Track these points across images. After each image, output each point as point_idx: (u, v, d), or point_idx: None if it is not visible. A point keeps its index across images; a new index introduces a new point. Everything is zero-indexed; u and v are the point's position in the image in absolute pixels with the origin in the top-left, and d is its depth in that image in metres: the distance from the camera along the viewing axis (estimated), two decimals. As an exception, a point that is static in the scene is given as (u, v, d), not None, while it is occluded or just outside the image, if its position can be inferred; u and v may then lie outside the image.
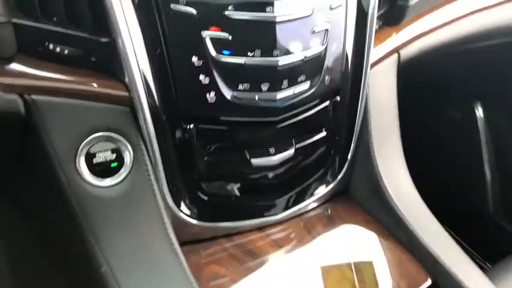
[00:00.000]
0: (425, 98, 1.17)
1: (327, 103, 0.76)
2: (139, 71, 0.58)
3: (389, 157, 0.83)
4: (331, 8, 0.70)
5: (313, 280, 0.74)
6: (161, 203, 0.65)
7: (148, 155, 0.63)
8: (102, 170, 0.62)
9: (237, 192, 0.75)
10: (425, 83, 1.13)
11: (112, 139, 0.61)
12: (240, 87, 0.64)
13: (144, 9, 0.57)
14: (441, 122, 1.23)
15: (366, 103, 0.81)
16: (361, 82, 0.79)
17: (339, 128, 0.80)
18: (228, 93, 0.64)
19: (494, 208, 1.25)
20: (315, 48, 0.69)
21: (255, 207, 0.77)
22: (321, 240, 0.79)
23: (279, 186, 0.78)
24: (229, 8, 0.61)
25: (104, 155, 0.61)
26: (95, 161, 0.61)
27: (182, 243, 0.67)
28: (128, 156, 0.63)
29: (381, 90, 0.84)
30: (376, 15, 0.77)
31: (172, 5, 0.58)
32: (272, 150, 0.72)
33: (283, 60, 0.65)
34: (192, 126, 0.65)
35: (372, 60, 0.81)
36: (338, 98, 0.77)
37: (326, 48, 0.71)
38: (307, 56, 0.68)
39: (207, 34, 0.60)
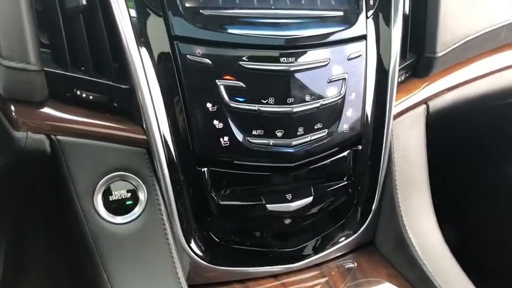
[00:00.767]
0: (463, 153, 1.13)
1: (347, 151, 0.76)
2: (156, 116, 0.63)
3: (416, 209, 0.81)
4: (349, 59, 0.72)
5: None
6: (172, 243, 0.67)
7: (162, 196, 0.66)
8: (118, 208, 0.65)
9: (251, 237, 0.75)
10: (460, 137, 1.09)
11: (128, 178, 0.65)
12: (254, 132, 0.67)
13: (162, 60, 0.62)
14: (477, 178, 1.16)
15: (390, 153, 0.81)
16: (383, 132, 0.78)
17: (361, 177, 0.79)
18: (241, 138, 0.66)
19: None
20: (332, 97, 0.71)
21: (270, 253, 0.77)
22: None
23: (296, 233, 0.78)
24: (244, 58, 0.64)
25: (119, 193, 0.65)
26: (111, 198, 0.65)
27: (193, 286, 0.68)
28: (142, 196, 0.66)
29: (407, 141, 0.83)
30: (398, 66, 0.78)
31: (188, 56, 0.63)
32: (289, 196, 0.73)
33: (297, 108, 0.68)
34: (205, 169, 0.67)
35: (397, 110, 0.82)
36: (360, 147, 0.77)
37: (344, 97, 0.72)
38: (323, 104, 0.70)
39: (222, 83, 0.64)
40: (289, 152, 0.69)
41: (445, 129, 0.94)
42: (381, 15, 0.76)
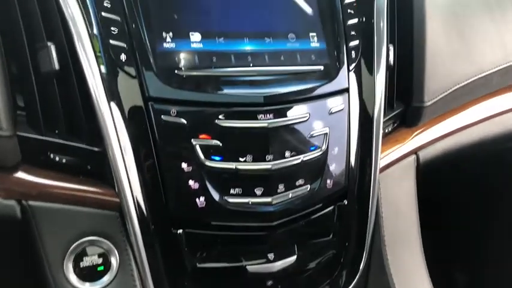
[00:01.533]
0: (457, 202, 1.10)
1: (331, 207, 0.75)
2: (128, 179, 0.62)
3: (407, 266, 0.78)
4: (330, 113, 0.72)
5: None
6: None
7: (135, 260, 0.65)
8: (89, 274, 0.64)
9: (232, 303, 0.73)
10: (454, 185, 1.07)
11: (100, 243, 0.64)
12: (232, 191, 0.66)
13: (136, 121, 0.62)
14: (477, 227, 1.13)
15: (378, 207, 0.79)
16: (370, 185, 0.77)
17: (348, 234, 0.78)
18: (218, 198, 0.65)
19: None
20: (313, 152, 0.70)
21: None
22: None
23: (280, 296, 0.75)
24: (220, 117, 0.64)
25: (90, 259, 0.64)
26: (82, 264, 0.64)
27: None
28: (114, 261, 0.65)
29: (396, 194, 0.82)
30: (382, 117, 0.77)
31: (163, 117, 0.62)
32: (271, 256, 0.71)
33: (277, 165, 0.66)
34: (181, 231, 0.66)
35: (385, 161, 0.80)
36: (345, 202, 0.75)
37: (326, 152, 0.71)
38: (304, 160, 0.69)
39: (197, 142, 0.63)
40: (270, 211, 0.68)
41: (437, 179, 0.92)
42: (363, 67, 0.76)
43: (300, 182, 0.69)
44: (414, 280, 0.78)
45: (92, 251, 0.64)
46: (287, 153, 0.67)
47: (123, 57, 0.61)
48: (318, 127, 0.70)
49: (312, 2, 0.74)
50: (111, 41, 0.61)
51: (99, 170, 0.64)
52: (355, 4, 0.76)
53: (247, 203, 0.66)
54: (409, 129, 0.86)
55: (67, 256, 0.63)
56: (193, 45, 0.65)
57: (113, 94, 0.61)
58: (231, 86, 0.66)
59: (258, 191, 0.67)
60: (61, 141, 0.63)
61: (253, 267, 0.69)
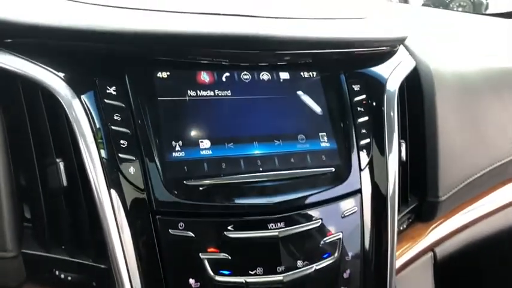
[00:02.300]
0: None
1: (346, 316, 0.71)
2: None
3: None
4: (343, 216, 0.70)
5: None
6: None
7: None
8: None
9: None
10: (473, 280, 1.03)
11: None
12: (242, 306, 0.63)
13: (142, 236, 0.61)
14: None
15: (396, 312, 0.75)
16: (386, 289, 0.74)
17: None
18: (228, 311, 0.63)
19: None
20: (326, 260, 0.68)
21: None
22: None
23: None
24: (229, 228, 0.63)
25: None
26: None
27: None
28: None
29: (414, 296, 0.78)
30: (396, 217, 0.75)
31: (171, 231, 0.61)
32: None
33: (288, 277, 0.64)
34: None
35: (400, 261, 0.78)
36: (361, 307, 0.72)
37: (340, 259, 0.69)
38: (317, 269, 0.66)
39: (205, 256, 0.62)
40: (282, 324, 0.65)
41: (456, 276, 0.88)
42: (375, 165, 0.75)
43: (314, 291, 0.67)
44: None
45: None
46: (299, 263, 0.65)
47: (131, 170, 0.61)
48: (331, 232, 0.69)
49: (320, 101, 0.74)
50: (120, 155, 0.61)
51: (105, 287, 0.62)
52: (364, 102, 0.77)
53: None
54: (425, 224, 0.84)
55: None
56: (203, 153, 0.66)
57: (120, 209, 0.60)
58: (241, 195, 0.65)
59: (269, 305, 0.64)
60: (67, 257, 0.61)
61: None
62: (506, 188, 0.95)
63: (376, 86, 0.78)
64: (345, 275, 0.69)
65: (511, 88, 0.96)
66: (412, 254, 0.79)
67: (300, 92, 0.74)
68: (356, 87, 0.77)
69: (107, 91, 0.63)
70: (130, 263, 0.60)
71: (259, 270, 0.63)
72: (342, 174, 0.72)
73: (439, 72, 0.85)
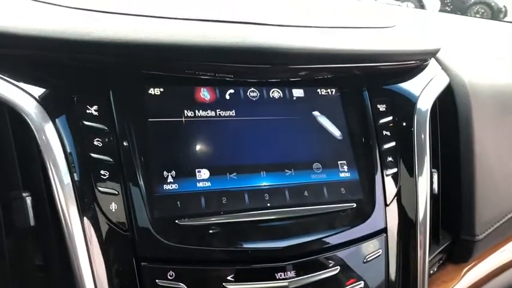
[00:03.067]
0: None
1: None
2: None
3: None
4: (365, 261, 0.60)
5: None
6: None
7: None
8: None
9: None
10: None
11: None
12: None
13: (124, 287, 0.51)
14: None
15: None
16: None
17: None
18: None
19: None
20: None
21: None
22: None
23: None
24: (229, 277, 0.53)
25: None
26: None
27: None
28: None
29: None
30: (427, 260, 0.64)
31: (158, 282, 0.52)
32: None
33: None
34: None
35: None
36: None
37: None
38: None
39: None
40: None
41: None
42: (403, 200, 0.64)
43: None
44: None
45: None
46: None
47: (112, 207, 0.51)
48: (351, 281, 0.59)
49: (339, 123, 0.65)
50: (100, 188, 0.52)
51: None
52: (391, 124, 0.66)
53: None
54: (458, 266, 0.73)
55: None
56: (200, 185, 0.56)
57: (96, 255, 0.50)
58: (244, 238, 0.56)
59: None
60: None
61: None
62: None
63: (405, 106, 0.68)
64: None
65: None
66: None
67: (316, 113, 0.64)
68: (381, 107, 0.67)
69: (87, 111, 0.53)
70: None
71: None
72: (364, 211, 0.62)
73: (475, 89, 0.74)
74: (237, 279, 0.53)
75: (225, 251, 0.54)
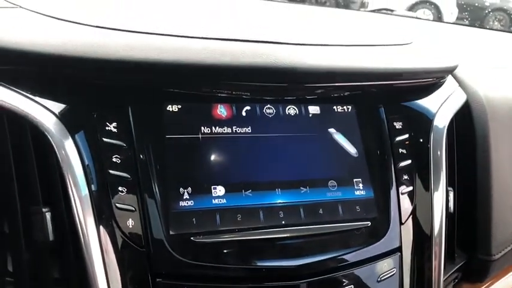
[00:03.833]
0: None
1: None
2: None
3: None
4: (379, 280, 0.60)
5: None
6: None
7: None
8: None
9: None
10: None
11: None
12: None
13: None
14: None
15: None
16: None
17: None
18: None
19: None
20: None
21: None
22: None
23: None
24: None
25: None
26: None
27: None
28: None
29: None
30: (442, 280, 0.64)
31: None
32: None
33: None
34: None
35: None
36: None
37: None
38: None
39: None
40: None
41: None
42: (418, 218, 0.64)
43: None
44: None
45: None
46: None
47: (130, 223, 0.52)
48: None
49: (355, 140, 0.65)
50: (118, 204, 0.52)
51: None
52: (407, 142, 0.66)
53: None
54: (473, 286, 0.72)
55: None
56: (215, 202, 0.56)
57: (113, 269, 0.51)
58: (258, 256, 0.56)
59: None
60: None
61: None
62: None
63: (422, 124, 0.67)
64: None
65: None
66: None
67: (332, 130, 0.64)
68: (398, 125, 0.67)
69: (107, 128, 0.54)
70: None
71: None
72: (379, 229, 0.62)
73: (493, 106, 0.73)
74: None
75: (240, 269, 0.54)
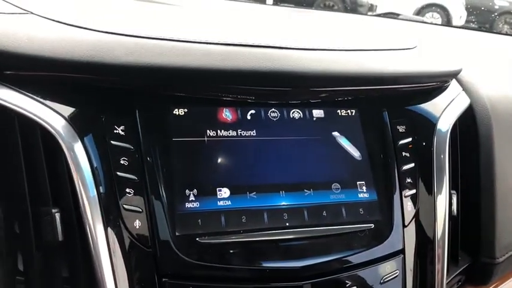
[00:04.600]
0: None
1: None
2: None
3: None
4: (382, 282, 0.61)
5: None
6: None
7: None
8: None
9: None
10: None
11: None
12: None
13: None
14: None
15: None
16: None
17: None
18: None
19: None
20: None
21: None
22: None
23: None
24: None
25: None
26: None
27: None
28: None
29: None
30: (445, 282, 0.64)
31: None
32: None
33: None
34: None
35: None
36: None
37: None
38: None
39: None
40: None
41: None
42: (421, 221, 0.65)
43: None
44: None
45: None
46: None
47: (137, 224, 0.53)
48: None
49: (359, 143, 0.66)
50: (125, 206, 0.54)
51: None
52: (410, 145, 0.67)
53: None
54: (477, 288, 0.72)
55: None
56: (221, 203, 0.58)
57: (120, 269, 0.52)
58: (262, 257, 0.57)
59: None
60: None
61: None
62: None
63: (425, 127, 0.68)
64: None
65: None
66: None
67: (335, 133, 0.65)
68: (401, 128, 0.68)
69: (114, 131, 0.55)
70: None
71: None
72: (382, 232, 0.62)
73: (497, 110, 0.74)
74: None
75: (244, 269, 0.55)
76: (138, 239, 0.54)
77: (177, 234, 0.54)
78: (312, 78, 0.60)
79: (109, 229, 0.52)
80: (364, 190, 0.64)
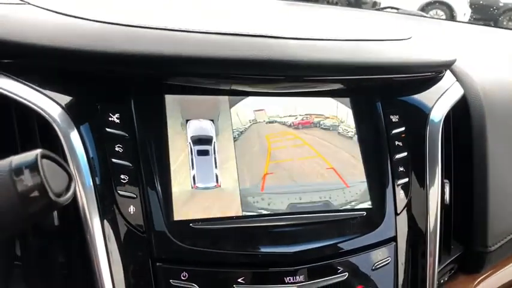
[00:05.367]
0: None
1: None
2: None
3: None
4: (374, 269, 0.61)
5: None
6: None
7: None
8: None
9: None
10: None
11: None
12: None
13: (139, 286, 0.54)
14: None
15: None
16: None
17: None
18: None
19: None
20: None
21: None
22: None
23: None
24: (240, 280, 0.56)
25: None
26: None
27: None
28: None
29: None
30: (436, 270, 0.65)
31: (172, 282, 0.55)
32: None
33: None
34: None
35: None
36: None
37: None
38: None
39: None
40: None
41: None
42: (413, 209, 0.65)
43: None
44: None
45: None
46: None
47: (131, 209, 0.54)
48: (358, 287, 0.59)
49: (351, 133, 0.66)
50: (120, 192, 0.55)
51: None
52: (403, 135, 0.67)
53: None
54: (470, 277, 0.73)
55: None
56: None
57: (115, 253, 0.53)
58: (255, 242, 0.58)
59: None
60: None
61: None
62: None
63: (418, 117, 0.69)
64: None
65: None
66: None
67: (328, 122, 0.66)
68: (394, 118, 0.68)
69: (110, 119, 0.56)
70: None
71: None
72: (374, 219, 0.63)
73: (490, 101, 0.74)
74: (247, 282, 0.55)
75: (237, 254, 0.56)
76: (132, 224, 0.54)
77: (171, 220, 0.55)
78: (305, 67, 0.61)
79: (104, 215, 0.53)
80: (357, 178, 0.64)
